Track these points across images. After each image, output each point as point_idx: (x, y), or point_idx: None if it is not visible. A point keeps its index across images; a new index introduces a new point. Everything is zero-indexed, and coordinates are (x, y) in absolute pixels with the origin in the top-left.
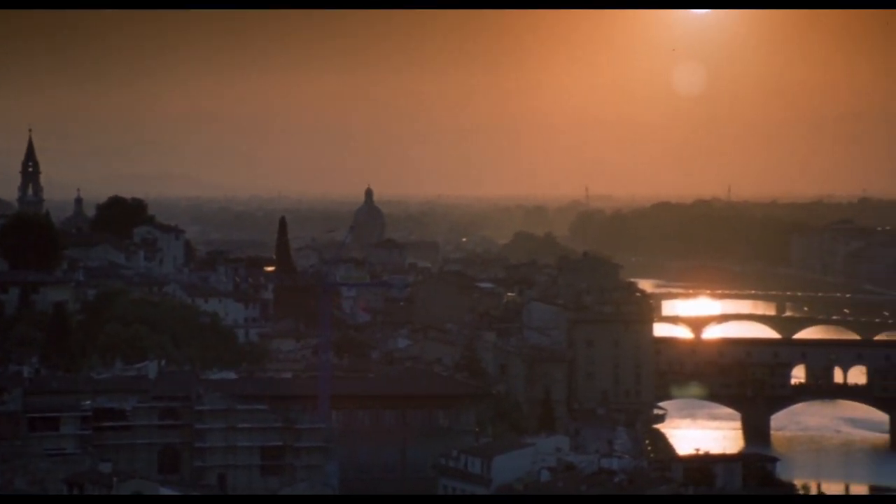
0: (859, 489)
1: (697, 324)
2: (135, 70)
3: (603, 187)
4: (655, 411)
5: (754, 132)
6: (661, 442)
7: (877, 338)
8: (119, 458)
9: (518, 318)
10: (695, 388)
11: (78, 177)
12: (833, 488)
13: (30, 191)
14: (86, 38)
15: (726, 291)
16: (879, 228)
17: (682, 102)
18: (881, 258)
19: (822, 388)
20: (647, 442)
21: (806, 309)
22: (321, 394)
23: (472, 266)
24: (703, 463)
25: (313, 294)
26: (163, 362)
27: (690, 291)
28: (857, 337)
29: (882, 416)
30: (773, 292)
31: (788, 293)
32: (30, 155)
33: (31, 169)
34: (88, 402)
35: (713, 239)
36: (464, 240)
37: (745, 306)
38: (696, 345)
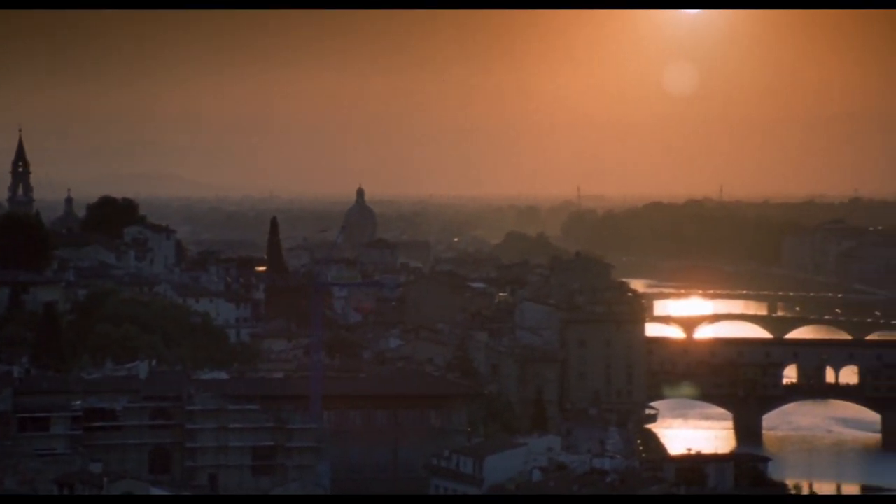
0: (851, 489)
1: (689, 324)
2: (126, 70)
3: (595, 187)
4: (647, 411)
5: (746, 132)
6: (653, 442)
7: (868, 338)
8: (109, 458)
9: (510, 318)
10: (687, 388)
11: (68, 177)
12: (825, 488)
13: (20, 191)
14: (76, 38)
15: (718, 291)
16: (871, 228)
17: (674, 102)
18: (873, 258)
19: (813, 388)
20: (638, 442)
21: (798, 309)
22: (313, 394)
23: (464, 266)
24: (695, 463)
25: (305, 294)
26: (154, 362)
27: (682, 291)
28: (849, 337)
29: (873, 416)
30: (765, 292)
31: (780, 293)
32: (20, 155)
33: (21, 169)
34: (79, 403)
35: (705, 239)
36: (456, 240)
37: (736, 306)
38: (688, 345)
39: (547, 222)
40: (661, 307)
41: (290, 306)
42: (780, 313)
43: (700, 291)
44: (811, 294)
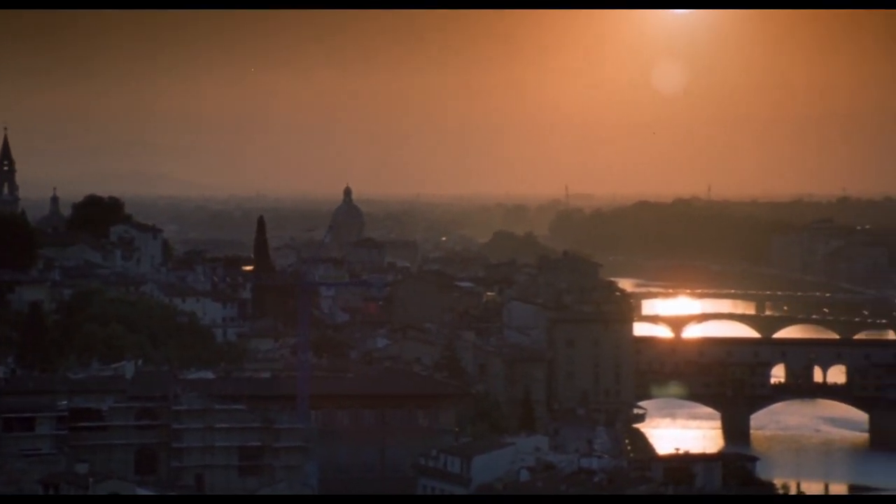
0: (839, 488)
1: (677, 323)
2: (113, 70)
3: (583, 186)
4: (635, 411)
5: (734, 132)
6: (641, 441)
7: (856, 337)
8: (95, 458)
9: (498, 318)
10: (675, 388)
11: (54, 176)
12: (813, 487)
13: (5, 189)
14: (62, 38)
15: (706, 291)
16: (859, 228)
17: (663, 102)
18: (861, 257)
19: (801, 388)
20: (626, 441)
21: (786, 308)
22: (300, 393)
23: (452, 265)
24: (683, 462)
25: (292, 293)
26: (140, 362)
27: (670, 291)
28: (837, 336)
29: (861, 415)
30: (753, 291)
31: (768, 292)
32: (5, 153)
33: (6, 168)
34: (64, 403)
35: (693, 238)
36: (443, 239)
37: (724, 305)
38: (676, 344)
39: (535, 221)
40: (649, 306)
41: (277, 306)
42: (768, 313)
43: (688, 291)
44: (799, 293)
